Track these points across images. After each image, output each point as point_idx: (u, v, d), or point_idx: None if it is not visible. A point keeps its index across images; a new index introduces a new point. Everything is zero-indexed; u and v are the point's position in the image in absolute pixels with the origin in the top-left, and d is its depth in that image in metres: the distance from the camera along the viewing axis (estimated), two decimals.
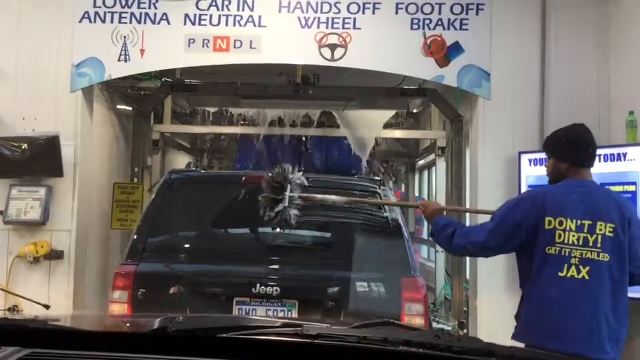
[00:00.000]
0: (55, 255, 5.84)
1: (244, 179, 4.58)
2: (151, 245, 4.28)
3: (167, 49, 5.93)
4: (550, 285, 3.01)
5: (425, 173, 12.16)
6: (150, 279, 4.13)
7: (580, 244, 2.98)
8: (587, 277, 2.96)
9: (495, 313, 5.41)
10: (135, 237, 4.38)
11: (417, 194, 12.26)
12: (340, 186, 4.60)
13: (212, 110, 8.92)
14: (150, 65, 6.05)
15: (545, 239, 3.02)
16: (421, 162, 11.56)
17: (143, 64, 5.95)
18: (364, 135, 8.49)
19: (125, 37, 5.90)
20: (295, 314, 4.01)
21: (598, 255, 2.99)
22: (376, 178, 6.06)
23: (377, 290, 4.28)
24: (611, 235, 3.00)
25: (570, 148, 3.16)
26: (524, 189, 5.43)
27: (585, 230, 2.99)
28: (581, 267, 2.96)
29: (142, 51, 5.92)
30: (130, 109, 7.90)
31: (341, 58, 5.89)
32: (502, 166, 5.85)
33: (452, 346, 1.48)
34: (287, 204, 3.63)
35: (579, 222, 3.00)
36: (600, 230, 2.99)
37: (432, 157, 10.51)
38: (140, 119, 7.44)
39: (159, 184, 4.96)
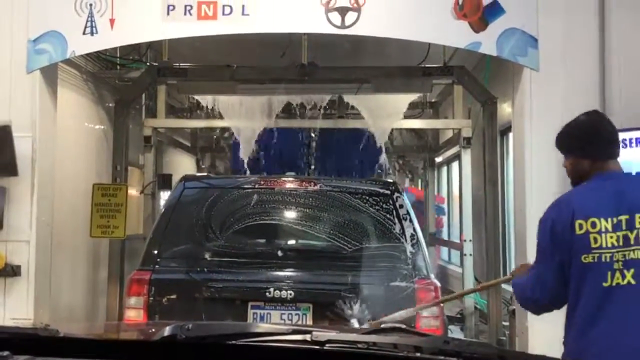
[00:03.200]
0: (11, 271, 4.61)
1: (258, 183, 4.47)
2: (165, 251, 4.21)
3: (141, 17, 4.69)
4: (593, 298, 2.53)
5: (444, 169, 10.94)
6: (165, 284, 4.04)
7: (621, 244, 2.51)
8: (632, 281, 2.49)
9: (551, 336, 4.07)
10: (150, 242, 4.28)
11: (437, 192, 10.99)
12: (346, 191, 4.41)
13: (211, 104, 7.58)
14: (121, 38, 4.80)
15: (579, 246, 2.54)
16: (439, 158, 10.30)
17: (113, 36, 4.71)
18: (378, 125, 7.16)
19: (91, 5, 4.66)
20: (309, 317, 3.93)
21: None
22: (389, 180, 5.49)
23: (391, 292, 4.02)
24: None
25: (589, 140, 2.68)
26: None
27: (624, 227, 2.52)
28: (625, 271, 2.50)
29: (112, 21, 4.67)
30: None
31: (353, 24, 4.61)
32: (556, 152, 4.52)
33: (462, 351, 1.43)
34: None
35: (615, 219, 2.53)
36: None
37: (453, 150, 9.29)
38: (122, 109, 6.20)
39: (173, 189, 4.77)
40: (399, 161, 11.52)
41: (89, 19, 4.67)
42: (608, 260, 2.50)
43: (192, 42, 6.74)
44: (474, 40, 4.60)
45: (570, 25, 4.63)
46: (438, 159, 10.33)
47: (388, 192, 4.39)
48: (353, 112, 8.12)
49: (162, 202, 8.55)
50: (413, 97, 7.27)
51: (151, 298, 3.96)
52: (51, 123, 4.94)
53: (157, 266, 4.10)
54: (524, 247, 4.56)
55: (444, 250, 10.96)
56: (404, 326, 1.80)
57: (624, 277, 2.48)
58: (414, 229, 4.24)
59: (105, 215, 6.10)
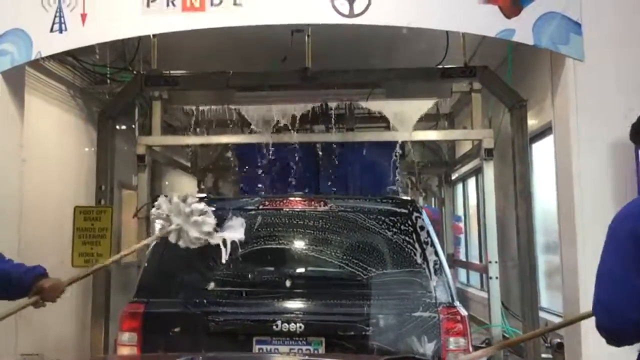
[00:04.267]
0: None
1: (261, 205, 4.12)
2: (161, 281, 3.88)
3: (117, 11, 4.01)
4: None
5: (460, 186, 10.16)
6: (161, 318, 3.69)
7: None
8: None
9: None
10: (144, 272, 3.95)
11: (458, 212, 10.19)
12: (360, 212, 3.99)
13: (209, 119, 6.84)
14: (95, 35, 4.08)
15: None
16: (455, 174, 9.51)
17: (84, 33, 4.01)
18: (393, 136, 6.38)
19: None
20: (321, 353, 3.55)
21: None
22: (407, 198, 4.91)
23: (413, 323, 3.62)
24: None
25: None
26: None
27: None
28: None
29: (84, 16, 3.98)
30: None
31: (363, 12, 3.89)
32: (607, 159, 3.75)
33: None
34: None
35: None
36: None
37: (469, 165, 8.48)
38: (106, 123, 5.46)
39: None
40: (412, 178, 10.71)
41: (57, 14, 3.99)
42: None
43: (184, 50, 6.07)
44: (506, 28, 3.86)
45: (620, 6, 3.87)
46: (454, 175, 9.54)
47: (406, 211, 3.99)
48: (363, 125, 7.38)
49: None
50: (429, 104, 6.49)
51: (145, 333, 3.62)
52: (15, 135, 4.21)
53: (152, 298, 3.76)
54: (575, 278, 3.76)
55: (461, 271, 10.16)
56: (416, 356, 1.59)
57: None
58: (436, 252, 3.87)
59: (88, 242, 5.36)
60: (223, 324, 3.63)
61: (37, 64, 5.79)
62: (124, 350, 3.63)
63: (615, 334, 2.11)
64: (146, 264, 3.98)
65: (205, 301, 3.73)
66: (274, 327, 3.56)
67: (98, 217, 5.37)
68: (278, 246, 4.01)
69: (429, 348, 3.53)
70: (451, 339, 3.57)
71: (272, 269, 3.99)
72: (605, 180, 3.67)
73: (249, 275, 3.92)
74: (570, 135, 3.86)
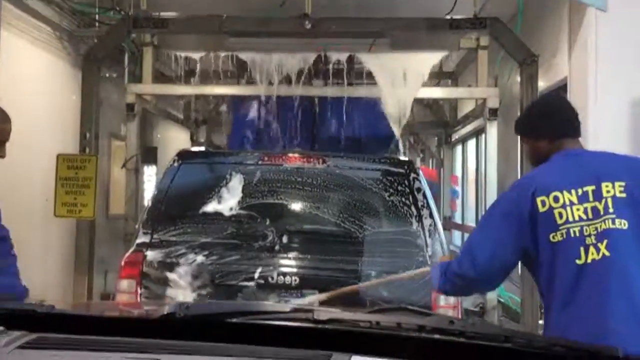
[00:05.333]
0: None
1: (260, 160, 4.15)
2: (160, 232, 3.87)
3: None
4: (568, 278, 2.24)
5: (459, 147, 9.89)
6: (159, 268, 3.72)
7: (590, 216, 2.26)
8: (607, 253, 2.22)
9: None
10: (143, 222, 3.97)
11: (456, 171, 9.95)
12: (357, 170, 4.07)
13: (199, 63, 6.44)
14: None
15: (545, 225, 2.28)
16: (456, 135, 9.22)
17: None
18: (398, 93, 6.00)
19: None
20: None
21: (613, 222, 2.25)
22: (404, 158, 4.89)
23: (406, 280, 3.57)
24: (623, 195, 2.27)
25: (543, 120, 2.51)
26: None
27: (591, 198, 2.27)
28: (599, 244, 2.23)
29: None
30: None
31: None
32: (626, 116, 3.45)
33: (466, 331, 1.39)
34: None
35: (580, 190, 2.29)
36: (608, 192, 2.28)
37: (470, 126, 8.18)
38: (91, 66, 5.11)
39: (168, 165, 4.21)
40: (410, 138, 10.41)
41: None
42: (577, 234, 2.27)
43: None
44: None
45: None
46: (454, 136, 9.25)
47: (403, 171, 4.06)
48: (362, 81, 7.02)
49: (146, 177, 7.64)
50: (437, 58, 6.11)
51: (143, 282, 3.69)
52: None
53: (150, 248, 3.79)
54: None
55: (457, 234, 10.00)
56: (409, 307, 1.70)
57: (598, 250, 2.24)
58: (431, 212, 3.93)
59: (71, 192, 5.08)
60: (219, 276, 3.68)
61: (20, 3, 5.42)
62: (123, 297, 3.72)
63: (442, 290, 2.55)
64: (145, 216, 3.99)
65: (203, 254, 3.75)
66: (270, 279, 3.61)
67: (82, 166, 5.08)
68: (276, 201, 4.04)
69: (420, 303, 3.51)
70: (441, 297, 3.64)
71: (269, 223, 3.97)
72: (623, 140, 3.40)
73: (247, 230, 3.93)
74: (588, 92, 3.56)
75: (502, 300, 6.51)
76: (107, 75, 6.92)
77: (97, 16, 5.96)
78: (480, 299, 6.63)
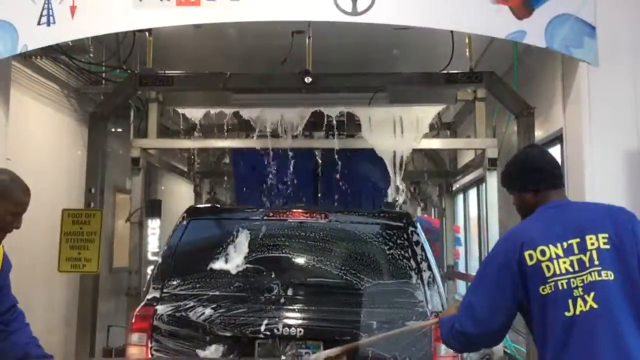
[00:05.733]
0: None
1: (265, 215, 4.33)
2: (169, 287, 4.02)
3: (108, 4, 3.78)
4: (558, 331, 2.27)
5: (460, 196, 9.92)
6: (169, 321, 3.83)
7: (577, 268, 2.31)
8: (594, 305, 2.26)
9: None
10: (153, 278, 4.13)
11: (458, 221, 9.93)
12: (358, 224, 4.28)
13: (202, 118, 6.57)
14: (84, 29, 3.86)
15: (534, 278, 2.34)
16: (456, 184, 9.26)
17: (73, 27, 3.78)
18: (395, 145, 6.11)
19: None
20: None
21: (599, 275, 2.29)
22: (403, 212, 5.07)
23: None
24: (607, 247, 2.32)
25: (526, 173, 2.56)
26: None
27: (576, 251, 2.33)
28: (586, 297, 2.27)
29: (73, 9, 3.75)
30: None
31: (367, 10, 3.66)
32: (620, 167, 3.51)
33: None
34: None
35: (565, 243, 2.35)
36: (592, 244, 2.33)
37: (471, 176, 8.23)
38: (97, 123, 5.21)
39: (178, 221, 4.39)
40: (411, 188, 10.46)
41: (46, 6, 3.77)
42: (565, 287, 2.30)
43: (181, 51, 5.85)
44: (517, 29, 3.64)
45: (636, 8, 3.65)
46: (455, 186, 9.29)
47: (401, 224, 4.21)
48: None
49: (150, 230, 7.66)
50: (435, 111, 6.25)
51: (154, 334, 3.78)
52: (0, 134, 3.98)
53: (161, 302, 3.92)
54: None
55: (461, 283, 9.92)
56: None
57: (585, 302, 2.28)
58: (429, 264, 4.06)
59: (75, 246, 5.09)
60: (228, 328, 3.77)
61: (29, 62, 5.59)
62: (134, 350, 3.82)
63: (448, 345, 2.55)
64: (155, 271, 4.13)
65: (211, 306, 3.87)
66: (275, 330, 3.70)
67: (87, 221, 5.11)
68: (281, 255, 4.17)
69: (420, 354, 3.67)
70: (442, 346, 3.65)
71: (274, 276, 4.10)
72: (618, 190, 3.44)
73: (253, 283, 4.05)
74: (583, 143, 3.63)
75: (508, 351, 6.42)
76: (113, 130, 7.05)
77: (104, 74, 6.11)
78: (487, 350, 6.55)
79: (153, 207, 6.96)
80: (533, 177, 2.54)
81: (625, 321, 2.28)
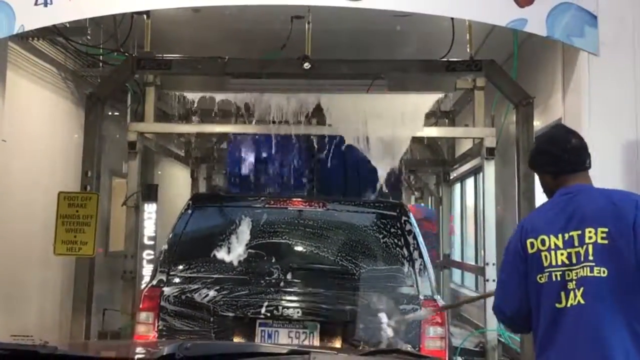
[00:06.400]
0: None
1: (266, 204, 4.55)
2: (176, 268, 4.27)
3: None
4: (548, 321, 2.32)
5: (457, 186, 9.92)
6: (175, 301, 4.07)
7: (574, 261, 2.30)
8: (582, 301, 2.27)
9: None
10: (161, 259, 4.36)
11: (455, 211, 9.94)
12: (354, 213, 4.57)
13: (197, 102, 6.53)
14: (82, 10, 3.83)
15: (533, 266, 2.38)
16: (454, 173, 9.26)
17: (70, 8, 3.75)
18: (395, 133, 6.07)
19: None
20: (316, 336, 3.96)
21: (592, 270, 2.28)
22: (397, 202, 5.25)
23: (397, 312, 3.99)
24: (604, 242, 2.29)
25: (544, 156, 2.53)
26: None
27: (576, 243, 2.32)
28: (576, 291, 2.29)
29: None
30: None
31: None
32: (619, 157, 3.51)
33: None
34: None
35: (566, 235, 2.34)
36: (590, 238, 2.31)
37: (468, 165, 8.21)
38: (94, 106, 5.18)
39: (183, 207, 4.59)
40: (408, 177, 10.45)
41: None
42: (559, 279, 2.32)
43: (180, 35, 5.80)
44: (518, 17, 3.62)
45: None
46: (452, 175, 9.29)
47: (395, 214, 4.43)
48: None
49: (146, 215, 7.64)
50: (434, 98, 6.22)
51: (161, 314, 4.00)
52: None
53: (167, 283, 4.15)
54: None
55: (456, 272, 9.95)
56: (402, 348, 1.75)
57: (575, 297, 2.29)
58: (421, 252, 4.28)
59: (71, 229, 5.08)
60: (230, 309, 3.98)
61: (26, 44, 5.54)
62: (142, 328, 4.02)
63: (505, 324, 2.78)
64: (162, 254, 4.34)
65: (215, 287, 4.09)
66: (275, 312, 3.91)
67: (83, 204, 5.09)
68: (281, 241, 4.41)
69: (411, 334, 3.90)
70: (430, 328, 3.94)
71: (274, 261, 4.30)
72: (617, 180, 3.43)
73: (255, 266, 4.26)
74: (582, 133, 3.60)
75: (502, 340, 6.45)
76: (110, 113, 7.01)
77: (101, 57, 6.07)
78: (481, 339, 6.58)
79: (149, 192, 6.92)
80: (551, 161, 2.50)
81: (610, 319, 2.27)
